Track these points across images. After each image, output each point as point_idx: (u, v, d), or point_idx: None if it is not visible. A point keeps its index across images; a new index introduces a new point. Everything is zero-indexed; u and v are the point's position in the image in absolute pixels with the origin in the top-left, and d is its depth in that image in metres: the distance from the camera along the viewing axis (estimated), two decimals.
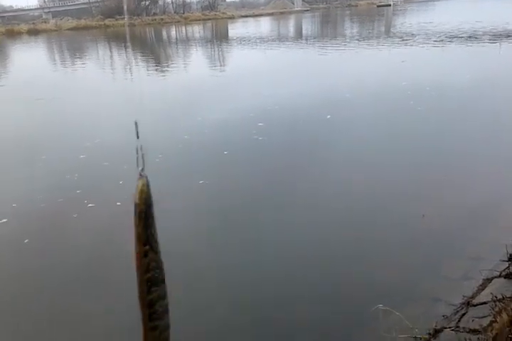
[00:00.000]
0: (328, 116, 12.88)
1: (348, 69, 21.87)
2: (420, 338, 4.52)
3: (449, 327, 4.54)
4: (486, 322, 4.33)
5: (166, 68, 26.72)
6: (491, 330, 4.14)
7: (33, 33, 75.06)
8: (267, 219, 7.25)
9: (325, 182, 8.60)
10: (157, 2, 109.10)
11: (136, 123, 1.81)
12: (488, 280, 5.29)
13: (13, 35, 72.82)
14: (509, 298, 4.56)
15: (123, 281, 4.92)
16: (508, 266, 5.38)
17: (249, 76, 21.87)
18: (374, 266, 5.81)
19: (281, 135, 11.49)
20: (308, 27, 64.08)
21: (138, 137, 1.77)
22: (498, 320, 4.07)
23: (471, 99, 14.16)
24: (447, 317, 4.76)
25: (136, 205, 1.70)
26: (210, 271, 5.93)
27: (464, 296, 5.04)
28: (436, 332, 4.55)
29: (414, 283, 5.43)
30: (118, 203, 7.61)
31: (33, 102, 17.74)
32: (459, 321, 4.60)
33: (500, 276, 5.24)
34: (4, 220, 7.54)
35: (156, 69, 26.52)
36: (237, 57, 31.52)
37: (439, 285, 5.36)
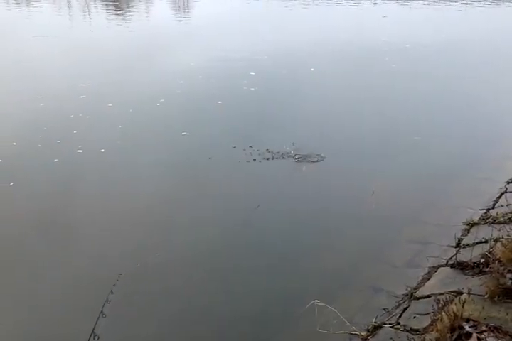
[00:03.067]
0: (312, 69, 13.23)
1: (331, 22, 21.53)
2: (357, 335, 4.23)
3: (389, 324, 4.24)
4: (428, 320, 4.05)
5: (130, 13, 24.99)
6: (432, 331, 3.87)
7: None
8: None
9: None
10: None
11: None
12: (434, 268, 5.01)
13: None
14: (452, 292, 4.29)
15: None
16: (456, 254, 5.12)
17: (220, 24, 20.83)
18: (311, 251, 5.44)
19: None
20: None
21: None
22: (438, 322, 3.77)
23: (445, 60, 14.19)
24: (388, 312, 4.48)
25: None
26: None
27: (407, 286, 4.76)
28: (375, 328, 4.26)
29: (355, 271, 5.11)
30: None
31: None
32: (399, 317, 4.32)
33: (446, 265, 4.96)
34: None
35: (124, 15, 24.80)
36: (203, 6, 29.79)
37: (382, 272, 5.07)
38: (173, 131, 8.86)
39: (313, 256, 5.32)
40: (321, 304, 4.19)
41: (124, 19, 22.30)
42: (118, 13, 25.09)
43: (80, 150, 7.90)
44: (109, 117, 9.55)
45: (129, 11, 25.59)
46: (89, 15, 25.25)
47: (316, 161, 7.64)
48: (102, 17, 23.70)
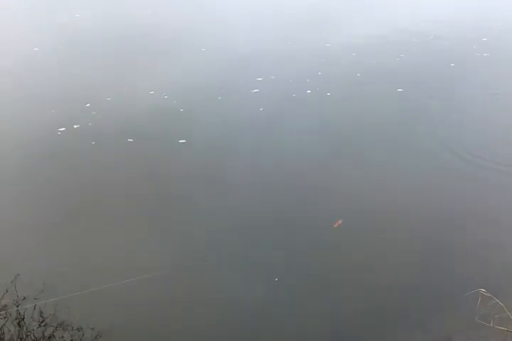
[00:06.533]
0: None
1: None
2: None
3: None
4: None
5: None
6: None
7: None
8: None
9: None
10: None
11: None
12: None
13: None
14: None
15: None
16: None
17: None
18: (486, 238, 5.04)
19: None
20: None
21: None
22: None
23: None
24: None
25: None
26: None
27: None
28: None
29: None
30: None
31: None
32: None
33: None
34: None
35: None
36: None
37: None
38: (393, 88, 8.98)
39: (489, 249, 4.94)
40: (487, 294, 3.89)
41: None
42: None
43: (309, 91, 8.92)
44: (347, 65, 10.17)
45: None
46: None
47: None
48: None
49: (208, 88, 9.14)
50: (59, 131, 7.55)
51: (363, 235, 5.23)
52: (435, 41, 11.47)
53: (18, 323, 4.35)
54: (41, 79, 9.74)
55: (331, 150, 6.97)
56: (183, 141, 7.28)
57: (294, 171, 6.47)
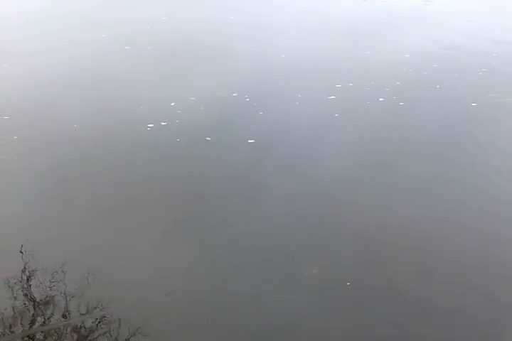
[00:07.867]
0: None
1: None
2: None
3: None
4: None
5: None
6: None
7: None
8: None
9: None
10: None
11: None
12: None
13: None
14: None
15: None
16: None
17: None
18: None
19: None
20: None
21: None
22: None
23: None
24: None
25: None
26: None
27: None
28: None
29: None
30: None
31: None
32: None
33: None
34: None
35: None
36: None
37: None
38: None
39: None
40: None
41: None
42: None
43: (382, 99, 9.34)
44: (427, 76, 10.47)
45: None
46: None
47: None
48: None
49: (287, 94, 9.54)
50: (148, 127, 8.14)
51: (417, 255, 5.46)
52: None
53: None
54: (131, 77, 10.43)
55: (396, 162, 7.29)
56: (252, 141, 7.74)
57: (356, 177, 6.85)
